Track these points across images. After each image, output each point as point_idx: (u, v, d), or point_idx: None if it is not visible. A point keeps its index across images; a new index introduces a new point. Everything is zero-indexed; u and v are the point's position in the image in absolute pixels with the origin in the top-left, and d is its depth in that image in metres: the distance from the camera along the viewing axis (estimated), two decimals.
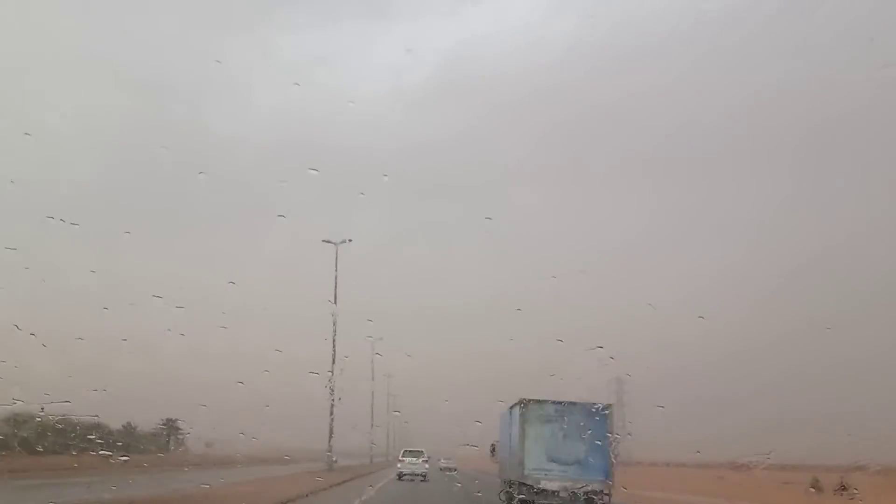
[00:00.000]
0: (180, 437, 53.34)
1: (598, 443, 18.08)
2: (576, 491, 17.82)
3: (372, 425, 46.82)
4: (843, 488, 21.37)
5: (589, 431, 18.11)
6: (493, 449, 23.87)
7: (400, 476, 40.44)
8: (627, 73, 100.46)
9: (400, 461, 42.53)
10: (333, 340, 38.52)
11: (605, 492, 17.86)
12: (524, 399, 18.41)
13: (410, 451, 43.31)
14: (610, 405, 18.56)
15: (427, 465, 42.11)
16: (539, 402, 18.39)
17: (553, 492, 17.86)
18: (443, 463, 63.18)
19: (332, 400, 38.54)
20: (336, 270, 38.32)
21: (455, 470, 60.66)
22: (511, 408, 19.99)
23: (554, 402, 18.37)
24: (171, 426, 52.44)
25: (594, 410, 18.34)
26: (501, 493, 21.80)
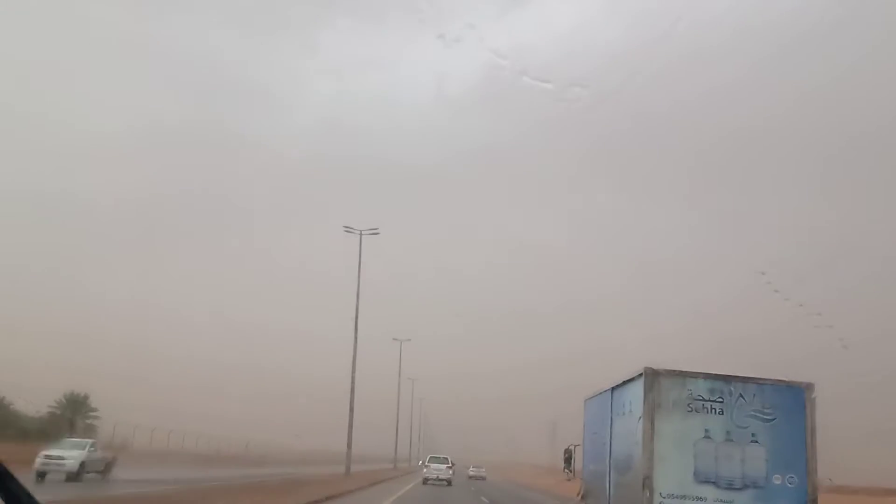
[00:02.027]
0: (90, 420, 42.42)
1: (793, 450, 9.89)
2: None
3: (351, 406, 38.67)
4: None
5: (774, 430, 9.94)
6: (570, 458, 15.35)
7: (425, 481, 41.27)
8: (671, 82, 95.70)
9: (426, 467, 43.76)
10: None
11: None
12: (651, 369, 10.20)
13: (436, 457, 44.54)
14: (810, 385, 10.23)
15: (451, 472, 43.16)
16: (681, 373, 10.20)
17: None
18: (472, 471, 61.24)
19: None
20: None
21: (485, 479, 58.73)
22: (617, 387, 11.82)
23: (709, 376, 10.18)
24: (73, 405, 41.35)
25: (785, 392, 10.11)
26: None
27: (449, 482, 40.90)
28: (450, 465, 43.23)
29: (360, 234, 37.02)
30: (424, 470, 43.28)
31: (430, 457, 44.97)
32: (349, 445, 38.33)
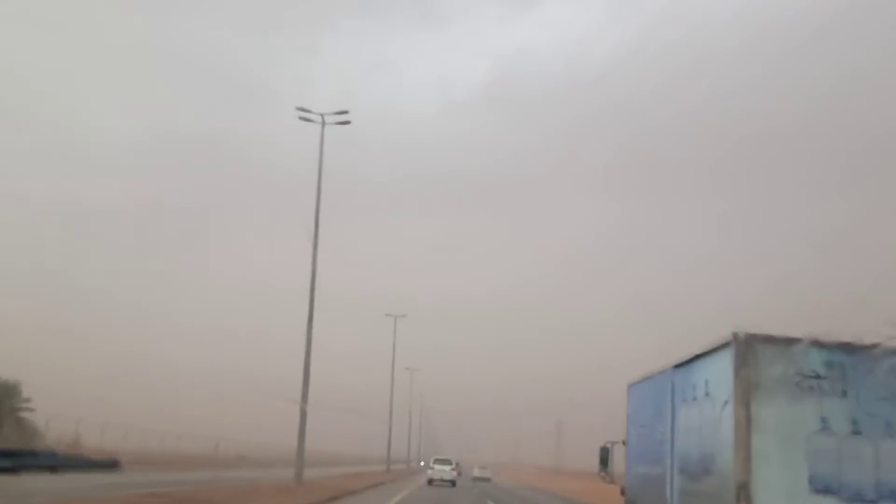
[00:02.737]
0: (22, 413, 36.81)
1: None
2: None
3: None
4: None
5: None
6: (606, 457, 12.53)
7: (430, 482, 43.30)
8: (686, 86, 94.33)
9: (430, 468, 45.65)
10: None
11: None
12: (742, 334, 7.37)
13: (440, 458, 46.70)
14: None
15: (455, 473, 44.96)
16: (787, 341, 7.36)
17: None
18: (476, 472, 61.69)
19: None
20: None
21: (489, 479, 59.15)
22: (683, 365, 8.98)
23: (826, 345, 7.34)
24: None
25: None
26: None
27: (453, 483, 43.70)
28: (454, 466, 45.57)
29: (323, 119, 28.92)
30: (429, 471, 45.69)
31: (435, 458, 47.46)
32: (301, 435, 26.88)
